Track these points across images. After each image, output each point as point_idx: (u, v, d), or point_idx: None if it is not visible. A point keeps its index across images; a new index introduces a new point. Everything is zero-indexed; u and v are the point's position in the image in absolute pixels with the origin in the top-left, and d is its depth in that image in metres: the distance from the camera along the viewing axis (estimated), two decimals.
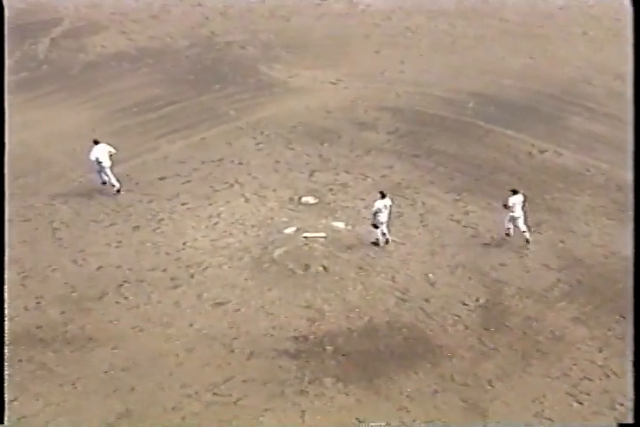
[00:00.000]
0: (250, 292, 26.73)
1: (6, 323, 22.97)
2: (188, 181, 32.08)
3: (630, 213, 27.38)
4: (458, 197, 30.94)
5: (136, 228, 29.57)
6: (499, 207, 28.78)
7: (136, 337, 25.06)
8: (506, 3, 46.58)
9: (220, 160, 33.36)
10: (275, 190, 31.56)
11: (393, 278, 27.30)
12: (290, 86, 39.04)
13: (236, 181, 32.06)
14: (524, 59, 41.28)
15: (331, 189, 31.63)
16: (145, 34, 44.11)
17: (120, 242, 28.88)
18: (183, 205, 30.77)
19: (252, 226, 29.67)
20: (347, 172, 32.62)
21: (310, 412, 22.78)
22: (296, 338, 24.99)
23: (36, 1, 47.08)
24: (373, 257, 28.15)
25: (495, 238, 28.84)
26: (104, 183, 31.26)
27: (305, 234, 29.23)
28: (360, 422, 22.49)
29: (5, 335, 22.67)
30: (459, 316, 25.84)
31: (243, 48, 42.75)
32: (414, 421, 22.46)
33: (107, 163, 30.92)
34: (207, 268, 27.73)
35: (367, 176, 32.22)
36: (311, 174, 32.50)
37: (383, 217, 28.09)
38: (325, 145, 34.41)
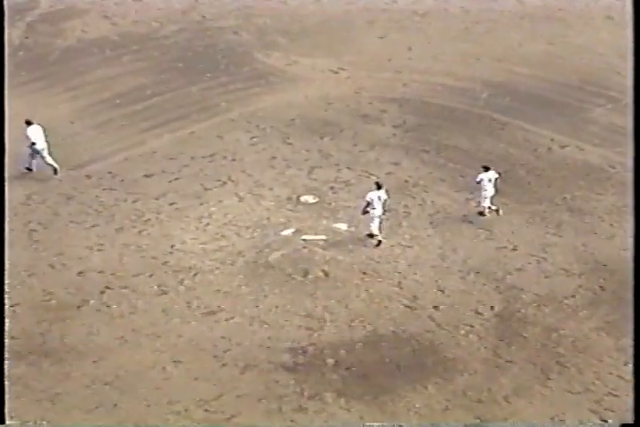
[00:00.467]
0: (244, 299, 26.75)
1: None
2: (177, 179, 32.11)
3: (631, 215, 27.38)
4: (470, 197, 30.95)
5: (120, 229, 29.59)
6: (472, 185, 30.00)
7: (120, 349, 25.05)
8: None
9: (212, 156, 33.38)
10: (271, 189, 31.59)
11: (399, 284, 27.32)
12: (287, 75, 39.07)
13: (229, 179, 32.09)
14: (542, 45, 41.34)
15: (332, 188, 31.66)
16: (129, 18, 44.09)
17: (102, 245, 28.89)
18: (171, 204, 30.78)
19: (247, 227, 29.69)
20: (349, 168, 32.65)
21: None
22: (294, 350, 25.00)
23: None
24: (378, 261, 28.17)
25: (511, 241, 28.89)
26: (29, 169, 31.58)
27: (304, 236, 29.26)
28: None
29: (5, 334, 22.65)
30: (471, 325, 25.86)
31: (236, 33, 42.77)
32: None
33: (41, 145, 31.13)
34: (197, 273, 27.74)
35: (371, 173, 32.23)
36: (310, 171, 32.53)
37: (377, 211, 28.09)
38: (326, 139, 34.44)
